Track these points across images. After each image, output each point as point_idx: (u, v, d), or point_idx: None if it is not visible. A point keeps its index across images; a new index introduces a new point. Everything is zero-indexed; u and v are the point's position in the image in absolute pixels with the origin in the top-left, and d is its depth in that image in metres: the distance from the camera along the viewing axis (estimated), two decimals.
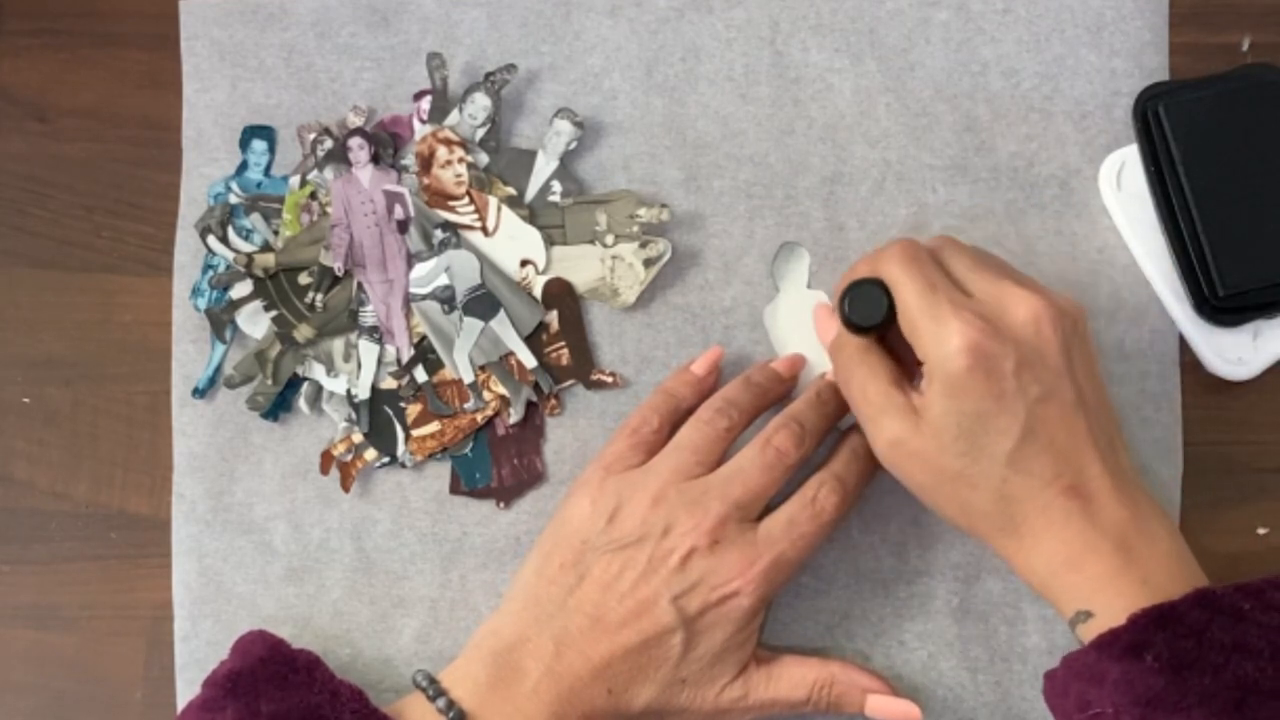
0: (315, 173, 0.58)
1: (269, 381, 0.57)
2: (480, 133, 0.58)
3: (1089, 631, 0.46)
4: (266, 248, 0.58)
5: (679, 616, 0.49)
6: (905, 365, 0.50)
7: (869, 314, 0.49)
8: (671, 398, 0.54)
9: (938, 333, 0.47)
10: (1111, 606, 0.45)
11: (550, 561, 0.51)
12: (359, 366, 0.57)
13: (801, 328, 0.56)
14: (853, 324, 0.50)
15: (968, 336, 0.46)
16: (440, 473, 0.57)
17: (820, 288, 0.57)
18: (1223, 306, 0.54)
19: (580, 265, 0.57)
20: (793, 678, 0.52)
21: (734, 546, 0.50)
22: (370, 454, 0.57)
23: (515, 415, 0.57)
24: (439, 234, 0.57)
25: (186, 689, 0.56)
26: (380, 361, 0.57)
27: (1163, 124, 0.54)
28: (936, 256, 0.49)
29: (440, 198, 0.58)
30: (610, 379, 0.57)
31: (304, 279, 0.58)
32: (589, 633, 0.50)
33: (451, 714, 0.49)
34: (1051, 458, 0.46)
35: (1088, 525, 0.46)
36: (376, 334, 0.57)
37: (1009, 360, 0.46)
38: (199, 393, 0.58)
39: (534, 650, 0.50)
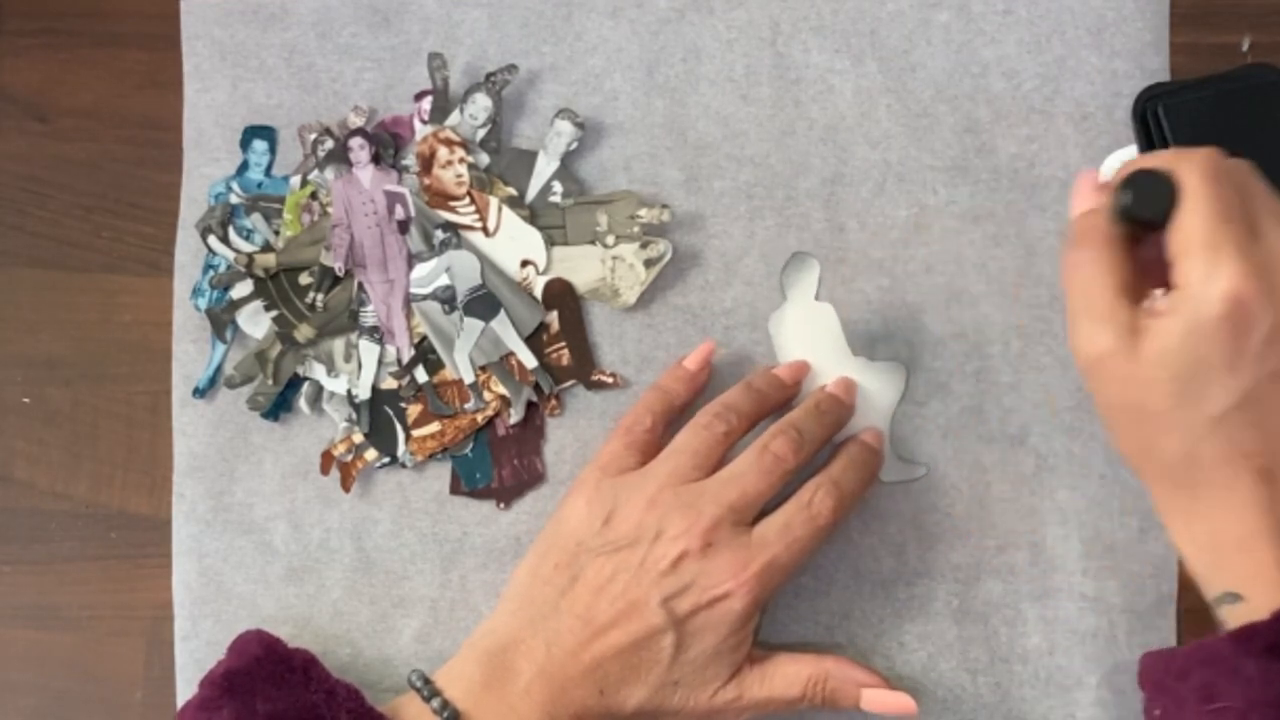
0: (316, 173, 0.58)
1: (269, 381, 0.57)
2: (481, 133, 0.58)
3: (1234, 615, 0.44)
4: (267, 248, 0.58)
5: (669, 618, 0.49)
6: (1147, 275, 0.45)
7: (1147, 206, 0.44)
8: (665, 394, 0.54)
9: (1211, 266, 0.42)
10: (1266, 596, 0.43)
11: (545, 562, 0.51)
12: (359, 366, 0.57)
13: (807, 339, 0.56)
14: (1125, 209, 0.44)
15: (1237, 286, 0.42)
16: (440, 473, 0.57)
17: (828, 299, 0.56)
18: None
19: (581, 266, 0.57)
20: (787, 675, 0.51)
21: (727, 550, 0.50)
22: (370, 454, 0.57)
23: (515, 415, 0.57)
24: (440, 234, 0.57)
25: (186, 689, 0.56)
26: (381, 361, 0.57)
27: (1162, 124, 0.54)
28: (1241, 186, 0.45)
29: (441, 198, 0.58)
30: (611, 379, 0.57)
31: (304, 279, 0.58)
32: (580, 634, 0.50)
33: (446, 714, 0.49)
34: (1259, 433, 0.43)
35: (1266, 511, 0.43)
36: (377, 334, 0.57)
37: (1264, 325, 0.42)
38: (199, 393, 0.58)
39: (527, 651, 0.50)
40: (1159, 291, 0.44)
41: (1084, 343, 0.45)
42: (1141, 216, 0.44)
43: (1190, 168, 0.44)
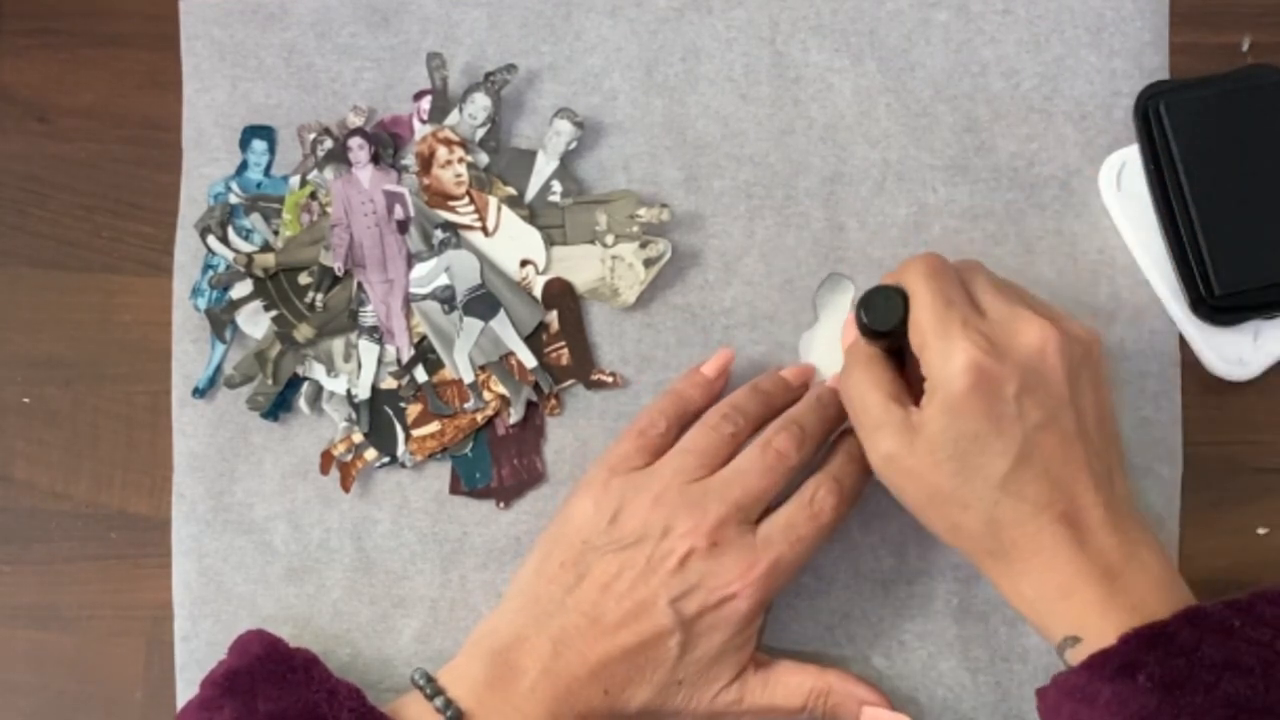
0: (315, 173, 0.58)
1: (269, 381, 0.57)
2: (480, 133, 0.58)
3: (1077, 656, 0.46)
4: (266, 248, 0.58)
5: (676, 618, 0.49)
6: (914, 385, 0.49)
7: (882, 319, 0.49)
8: (680, 400, 0.54)
9: (944, 348, 0.47)
10: (1101, 632, 0.45)
11: (550, 560, 0.51)
12: (359, 366, 0.57)
13: (837, 358, 0.55)
14: (866, 327, 0.49)
15: (971, 355, 0.46)
16: (440, 473, 0.57)
17: None
18: (1219, 306, 0.54)
19: (580, 265, 0.57)
20: (789, 685, 0.52)
21: (733, 549, 0.50)
22: (370, 454, 0.57)
23: (515, 415, 0.57)
24: (439, 234, 0.57)
25: (186, 689, 0.56)
26: (380, 361, 0.57)
27: (1163, 122, 0.54)
28: (961, 276, 0.49)
29: (440, 198, 0.58)
30: (610, 379, 0.57)
31: (304, 279, 0.58)
32: (586, 633, 0.50)
33: (449, 713, 0.49)
34: (1046, 484, 0.46)
35: (1078, 553, 0.46)
36: (376, 334, 0.57)
37: (1011, 384, 0.46)
38: (199, 393, 0.58)
39: (531, 649, 0.50)
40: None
41: (873, 450, 0.49)
42: (881, 329, 0.49)
43: (911, 273, 0.48)
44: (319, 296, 0.57)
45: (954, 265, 0.49)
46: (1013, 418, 0.46)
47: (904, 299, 0.48)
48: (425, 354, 0.57)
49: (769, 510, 0.51)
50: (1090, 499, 0.47)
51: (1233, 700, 0.43)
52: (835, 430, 0.54)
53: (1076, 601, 0.46)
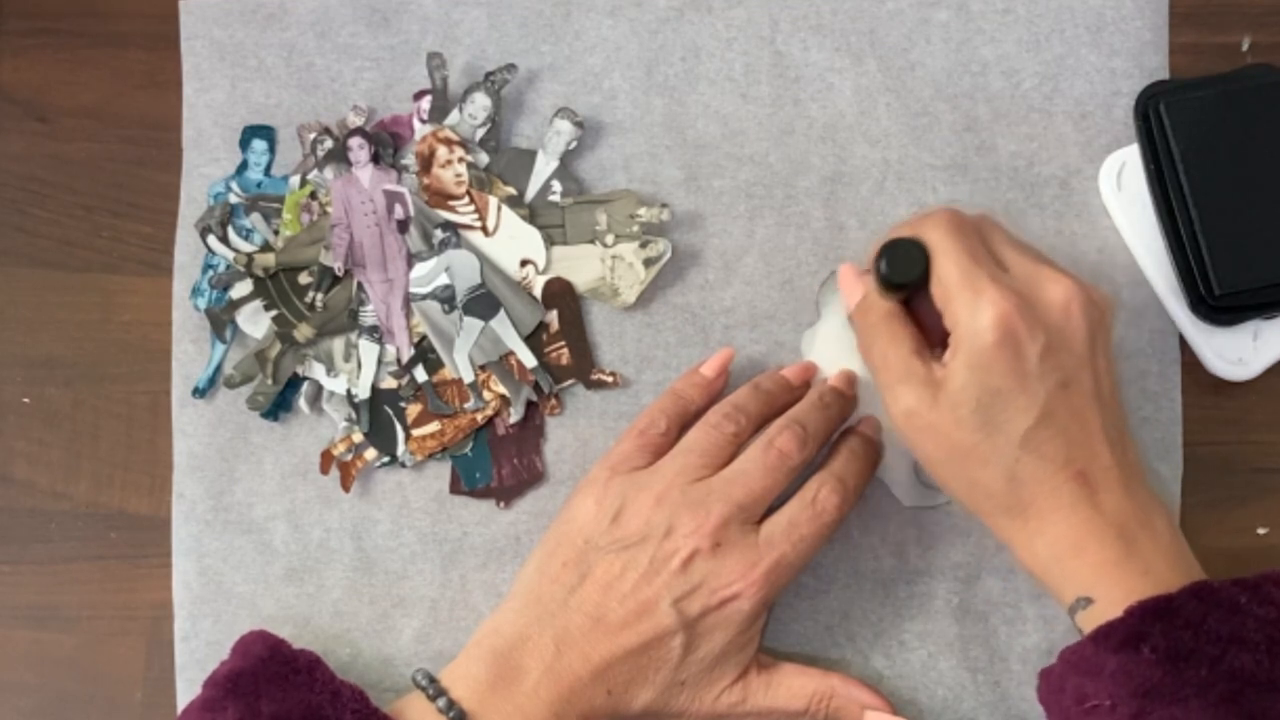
0: (315, 172, 0.58)
1: (269, 381, 0.57)
2: (480, 132, 0.58)
3: (1088, 619, 0.46)
4: (266, 248, 0.58)
5: (680, 619, 0.49)
6: (931, 337, 0.49)
7: (905, 271, 0.48)
8: (680, 399, 0.54)
9: (973, 303, 0.46)
10: (1112, 594, 0.45)
11: (553, 560, 0.51)
12: (359, 366, 0.57)
13: (838, 357, 0.55)
14: (887, 281, 0.48)
15: (1002, 310, 0.46)
16: (440, 472, 0.57)
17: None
18: (1219, 306, 0.54)
19: (580, 265, 0.57)
20: (792, 688, 0.52)
21: (735, 549, 0.50)
22: (370, 454, 0.57)
23: (515, 415, 0.57)
24: (439, 234, 0.57)
25: (186, 689, 0.56)
26: (380, 361, 0.57)
27: (1164, 122, 0.54)
28: (978, 229, 0.49)
29: (440, 197, 0.58)
30: (610, 379, 0.57)
31: (304, 279, 0.58)
32: (589, 633, 0.50)
33: (452, 714, 0.49)
34: (1064, 443, 0.46)
35: (1094, 512, 0.46)
36: (376, 334, 0.57)
37: (1037, 342, 0.46)
38: (199, 393, 0.58)
39: (534, 650, 0.50)
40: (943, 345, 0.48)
41: (893, 406, 0.49)
42: (901, 281, 0.48)
43: (932, 227, 0.48)
44: (319, 296, 0.57)
45: (970, 219, 0.49)
46: (1036, 375, 0.46)
47: (923, 251, 0.48)
48: (425, 354, 0.57)
49: (771, 509, 0.51)
50: (1105, 460, 0.47)
51: (1237, 674, 0.43)
52: (837, 429, 0.54)
53: (1090, 561, 0.46)
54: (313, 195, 0.58)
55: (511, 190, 0.58)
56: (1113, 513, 0.46)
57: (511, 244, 0.58)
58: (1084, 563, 0.46)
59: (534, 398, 0.57)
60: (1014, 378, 0.46)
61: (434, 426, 0.57)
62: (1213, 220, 0.53)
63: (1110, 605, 0.45)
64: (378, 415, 0.57)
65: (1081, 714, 0.45)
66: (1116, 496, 0.47)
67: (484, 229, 0.58)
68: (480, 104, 0.58)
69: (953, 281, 0.47)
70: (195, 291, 0.58)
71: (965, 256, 0.47)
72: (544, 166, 0.58)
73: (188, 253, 0.59)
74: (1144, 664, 0.43)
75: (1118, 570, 0.46)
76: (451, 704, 0.49)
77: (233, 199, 0.59)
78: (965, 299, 0.47)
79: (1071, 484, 0.46)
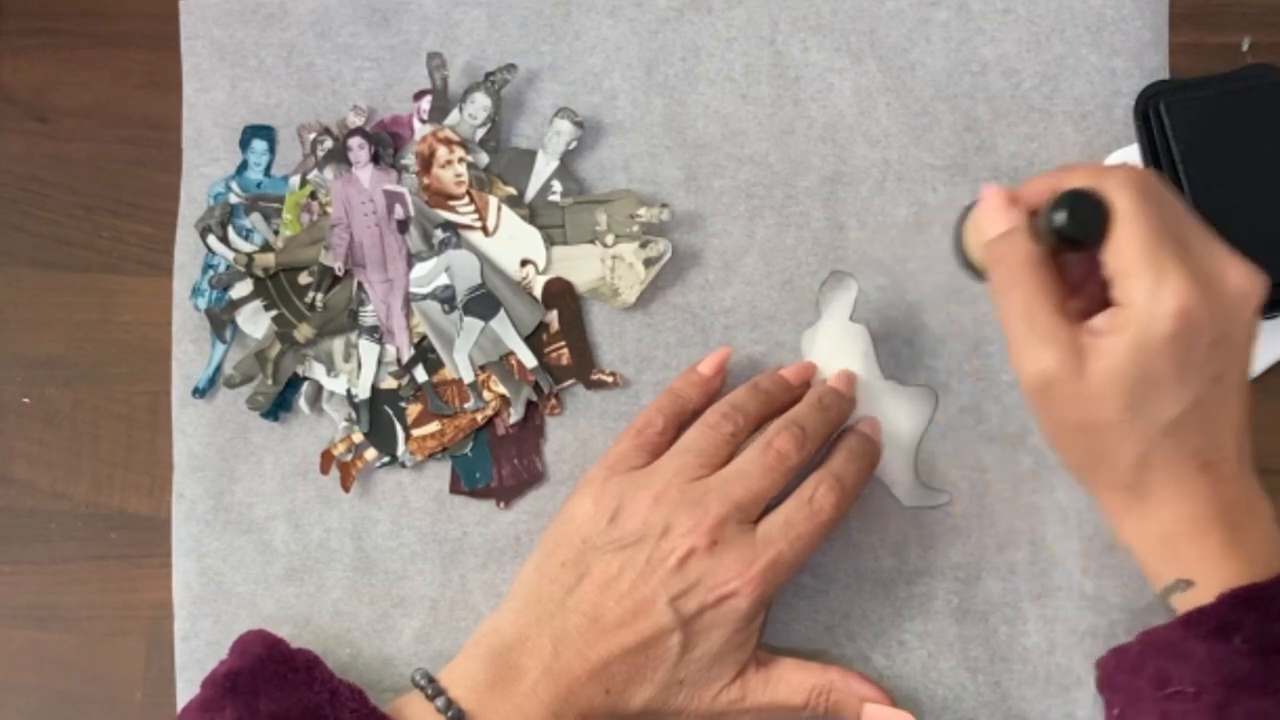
0: (315, 172, 0.58)
1: (269, 381, 0.57)
2: (480, 132, 0.58)
3: (1184, 601, 0.45)
4: (266, 248, 0.58)
5: (676, 617, 0.49)
6: (1072, 299, 0.46)
7: (1081, 228, 0.44)
8: (678, 398, 0.54)
9: (1155, 285, 0.43)
10: (1212, 580, 0.45)
11: (551, 560, 0.51)
12: (359, 366, 0.57)
13: (837, 357, 0.55)
14: (1057, 233, 0.44)
15: (1187, 301, 0.43)
16: (440, 472, 0.57)
17: (863, 321, 0.56)
18: None
19: (580, 265, 0.57)
20: (791, 683, 0.52)
21: (732, 547, 0.50)
22: (370, 454, 0.57)
23: (515, 415, 0.57)
24: (439, 234, 0.57)
25: (186, 689, 0.56)
26: (380, 361, 0.57)
27: (1164, 122, 0.54)
28: (1164, 199, 0.45)
29: (440, 197, 0.58)
30: (610, 379, 0.57)
31: (304, 279, 0.58)
32: (587, 633, 0.50)
33: (450, 713, 0.49)
34: (1204, 433, 0.45)
35: (1211, 501, 0.45)
36: (376, 334, 0.57)
37: (1209, 334, 0.43)
38: (199, 392, 0.58)
39: (532, 650, 0.50)
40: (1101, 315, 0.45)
41: (1029, 364, 0.45)
42: (1076, 237, 0.44)
43: (1120, 188, 0.44)
44: (319, 296, 0.57)
45: (1157, 187, 0.45)
46: (1198, 365, 0.44)
47: (1103, 211, 0.44)
48: (425, 354, 0.57)
49: (769, 508, 0.51)
50: (1230, 450, 0.45)
51: None
52: (836, 430, 0.54)
53: (1199, 546, 0.45)
54: (313, 195, 0.58)
55: (511, 190, 0.58)
56: (1227, 501, 0.45)
57: (511, 244, 0.58)
58: (1194, 546, 0.45)
59: (534, 398, 0.57)
60: (1177, 368, 0.43)
61: (434, 426, 0.57)
62: (1212, 220, 0.53)
63: (1209, 589, 0.45)
64: (378, 415, 0.57)
65: (1160, 698, 0.44)
66: (1233, 486, 0.46)
67: (484, 229, 0.58)
68: (480, 104, 0.58)
69: (1136, 255, 0.43)
70: (195, 291, 0.58)
71: (1155, 229, 0.43)
72: (544, 166, 0.58)
73: (188, 253, 0.59)
74: (1234, 654, 0.43)
75: (1223, 556, 0.45)
76: (450, 703, 0.49)
77: (233, 199, 0.59)
78: (1148, 278, 0.43)
79: (1198, 471, 0.45)
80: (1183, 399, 0.44)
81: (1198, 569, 0.45)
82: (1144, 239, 0.43)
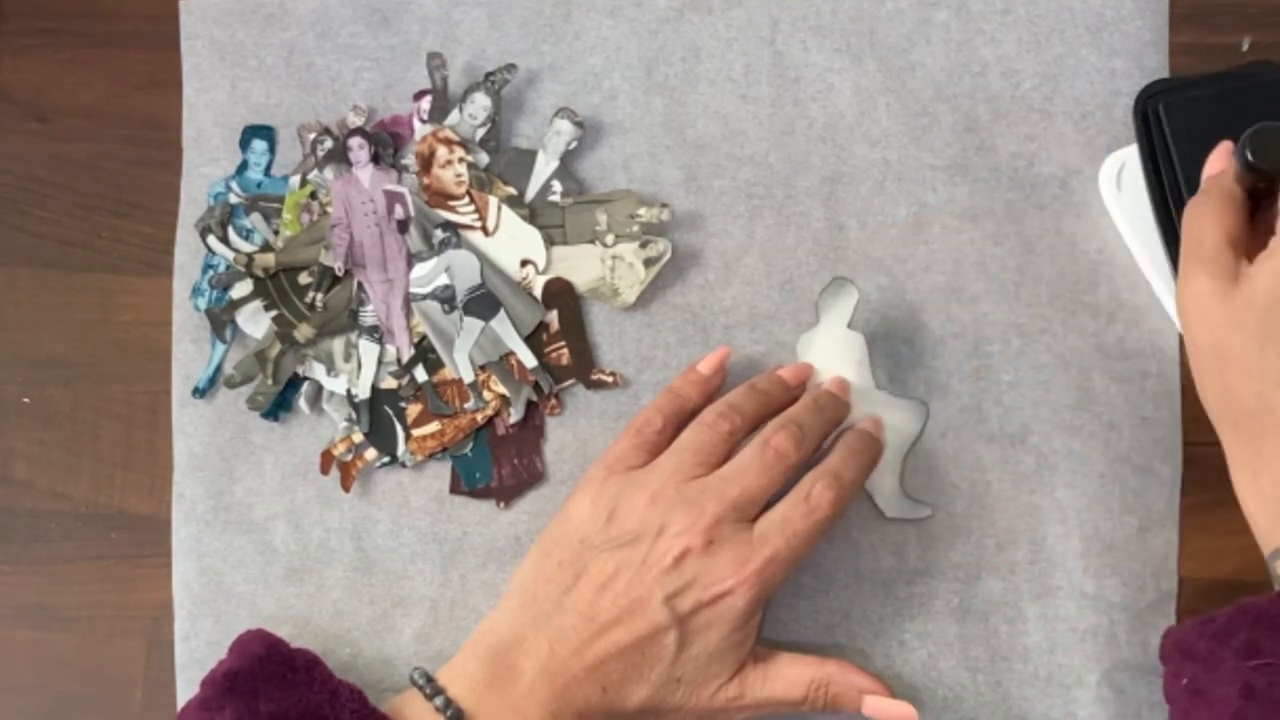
0: (315, 172, 0.58)
1: (269, 381, 0.57)
2: (480, 132, 0.58)
3: None
4: (266, 248, 0.58)
5: (672, 615, 0.49)
6: (1258, 238, 0.47)
7: (1270, 158, 0.46)
8: (677, 398, 0.54)
9: None
10: None
11: (549, 559, 0.51)
12: (359, 366, 0.57)
13: (833, 363, 0.55)
14: (1247, 162, 0.47)
15: None
16: (440, 472, 0.57)
17: (860, 328, 0.56)
18: None
19: (580, 265, 0.57)
20: (789, 677, 0.51)
21: (729, 546, 0.50)
22: (370, 454, 0.57)
23: (515, 415, 0.57)
24: (439, 234, 0.57)
25: (186, 689, 0.56)
26: (380, 361, 0.57)
27: (1162, 121, 0.54)
28: None
29: (440, 197, 0.58)
30: (610, 379, 0.57)
31: (304, 279, 0.58)
32: (583, 632, 0.50)
33: (449, 712, 0.49)
34: None
35: None
36: (376, 334, 0.57)
37: None
38: (199, 392, 0.58)
39: (529, 649, 0.50)
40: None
41: (1186, 285, 0.47)
42: (1264, 168, 0.46)
43: None
44: (319, 296, 0.57)
45: None
46: None
47: None
48: (425, 354, 0.57)
49: (767, 506, 0.51)
50: None
51: None
52: (833, 431, 0.54)
53: None
54: (313, 195, 0.58)
55: (511, 190, 0.58)
56: None
57: (511, 244, 0.58)
58: None
59: (534, 398, 0.57)
60: None
61: (434, 426, 0.57)
62: None
63: None
64: (378, 415, 0.57)
65: (1247, 669, 0.43)
66: None
67: (484, 229, 0.58)
68: (480, 104, 0.58)
69: None
70: (195, 291, 0.58)
71: None
72: (544, 166, 0.58)
73: (188, 253, 0.59)
74: None
75: None
76: (449, 702, 0.49)
77: (233, 199, 0.59)
78: None
79: None
80: None
81: None
82: None
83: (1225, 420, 0.47)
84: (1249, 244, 0.47)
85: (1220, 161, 0.50)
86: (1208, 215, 0.47)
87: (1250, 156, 0.46)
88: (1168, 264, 0.55)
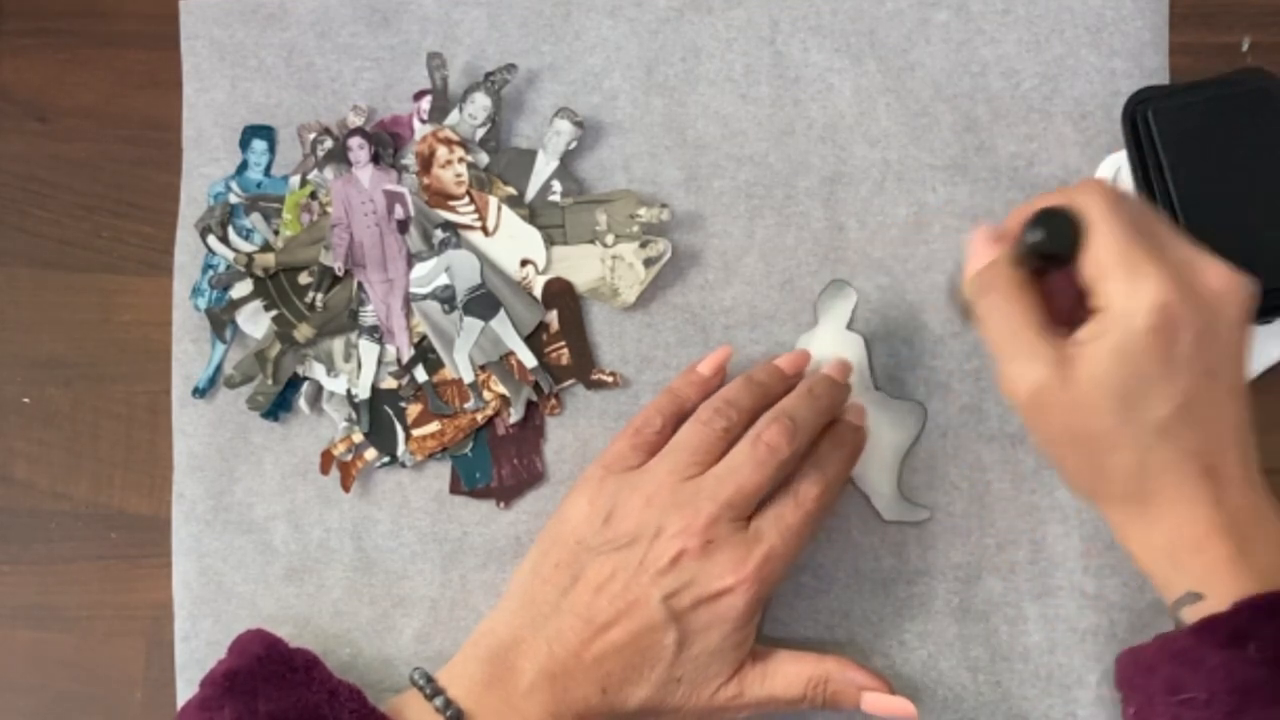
0: (315, 172, 0.58)
1: (269, 381, 0.57)
2: (480, 132, 0.58)
3: (1194, 614, 0.45)
4: (266, 247, 0.58)
5: (670, 615, 0.49)
6: (1056, 316, 0.47)
7: (1056, 242, 0.45)
8: (676, 398, 0.54)
9: (1131, 283, 0.44)
10: (1223, 591, 0.44)
11: (546, 560, 0.51)
12: (359, 366, 0.57)
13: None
14: (1036, 250, 0.46)
15: (1163, 295, 0.43)
16: (440, 472, 0.57)
17: (860, 329, 0.56)
18: None
19: (580, 265, 0.57)
20: (788, 675, 0.51)
21: (726, 546, 0.50)
22: (370, 454, 0.57)
23: (515, 415, 0.57)
24: (439, 234, 0.57)
25: (186, 689, 0.56)
26: (380, 361, 0.57)
27: (1151, 129, 0.54)
28: (1135, 207, 0.46)
29: (440, 197, 0.58)
30: (610, 379, 0.57)
31: (304, 279, 0.58)
32: (581, 633, 0.50)
33: (449, 713, 0.49)
34: (1200, 434, 0.45)
35: (1216, 508, 0.45)
36: (377, 334, 0.57)
37: (1191, 328, 0.44)
38: (199, 392, 0.58)
39: (528, 651, 0.50)
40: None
41: (1017, 382, 0.46)
42: (1052, 251, 0.46)
43: (1090, 200, 0.46)
44: (319, 296, 0.57)
45: (1126, 198, 0.47)
46: (1184, 361, 0.44)
47: (1075, 225, 0.45)
48: (425, 354, 0.57)
49: (765, 501, 0.51)
50: (1233, 455, 0.45)
51: None
52: (827, 420, 0.54)
53: (1207, 557, 0.45)
54: (313, 195, 0.58)
55: (511, 190, 0.58)
56: (1233, 509, 0.45)
57: (511, 244, 0.58)
58: (1200, 558, 0.45)
59: (534, 398, 0.57)
60: (1162, 364, 0.44)
61: (434, 426, 0.57)
62: (1202, 226, 0.53)
63: (1220, 602, 0.44)
64: (378, 415, 0.57)
65: (1173, 704, 0.44)
66: (1238, 492, 0.45)
67: (484, 229, 0.58)
68: (480, 104, 0.58)
69: (1110, 258, 0.44)
70: (195, 291, 0.58)
71: (1126, 232, 0.44)
72: (544, 166, 0.58)
73: (188, 253, 0.59)
74: (1248, 663, 0.42)
75: (1232, 567, 0.44)
76: (448, 703, 0.49)
77: (233, 199, 0.59)
78: (1122, 278, 0.44)
79: (1199, 477, 0.45)
80: (1173, 396, 0.44)
81: (1206, 581, 0.45)
82: (1116, 242, 0.44)
83: (1105, 496, 0.47)
84: (1052, 324, 0.46)
85: (986, 250, 0.49)
86: (1006, 309, 0.46)
87: (1037, 241, 0.46)
88: None
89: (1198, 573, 0.45)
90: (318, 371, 0.57)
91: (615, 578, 0.50)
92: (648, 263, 0.57)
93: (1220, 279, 0.45)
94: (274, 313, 0.58)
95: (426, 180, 0.58)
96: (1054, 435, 0.47)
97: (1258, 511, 0.46)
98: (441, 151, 0.58)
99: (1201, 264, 0.45)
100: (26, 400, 0.59)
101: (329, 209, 0.58)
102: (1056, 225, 0.46)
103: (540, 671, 0.49)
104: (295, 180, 0.58)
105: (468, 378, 0.57)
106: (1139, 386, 0.44)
